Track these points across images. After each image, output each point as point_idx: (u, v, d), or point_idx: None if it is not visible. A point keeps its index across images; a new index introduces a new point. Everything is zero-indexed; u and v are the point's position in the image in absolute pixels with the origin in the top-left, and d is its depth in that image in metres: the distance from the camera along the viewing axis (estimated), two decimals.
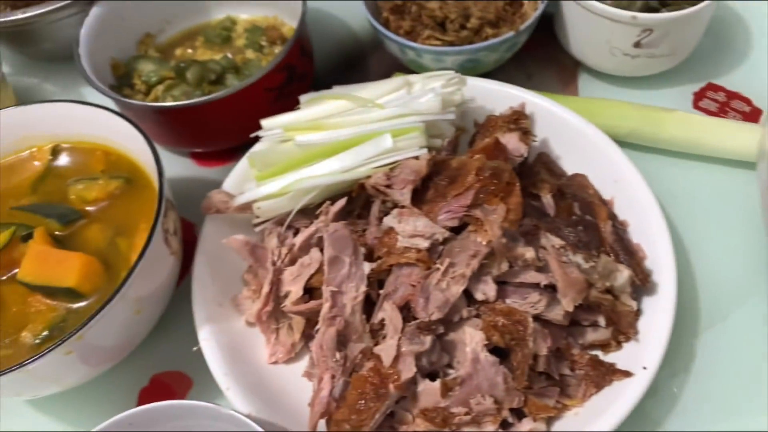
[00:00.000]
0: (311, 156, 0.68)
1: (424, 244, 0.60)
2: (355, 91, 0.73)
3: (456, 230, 0.61)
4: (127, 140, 0.69)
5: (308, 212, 0.69)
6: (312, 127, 0.70)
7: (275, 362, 0.65)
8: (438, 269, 0.59)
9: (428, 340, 0.57)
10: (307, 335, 0.66)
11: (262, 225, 0.69)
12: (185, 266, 0.70)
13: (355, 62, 0.96)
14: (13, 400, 0.69)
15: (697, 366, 0.65)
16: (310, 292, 0.64)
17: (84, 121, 0.71)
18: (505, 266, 0.60)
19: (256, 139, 0.74)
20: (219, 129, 0.81)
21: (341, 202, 0.65)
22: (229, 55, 0.91)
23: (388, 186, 0.63)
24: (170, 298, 0.68)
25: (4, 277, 0.64)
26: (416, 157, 0.65)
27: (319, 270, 0.63)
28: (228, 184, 0.73)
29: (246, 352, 0.65)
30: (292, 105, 0.78)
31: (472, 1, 0.85)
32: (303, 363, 0.65)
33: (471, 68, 0.83)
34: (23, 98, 0.96)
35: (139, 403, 0.68)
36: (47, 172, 0.71)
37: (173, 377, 0.70)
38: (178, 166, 0.87)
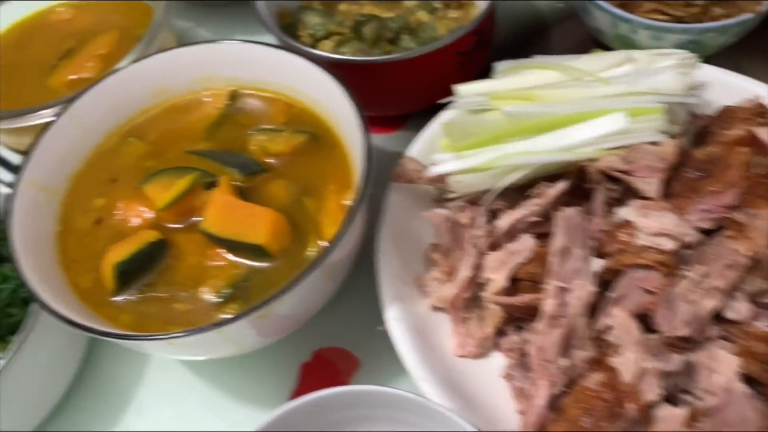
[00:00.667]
0: (521, 129, 0.60)
1: (670, 245, 0.51)
2: (566, 61, 0.65)
3: (706, 234, 0.52)
4: (318, 92, 0.63)
5: (506, 194, 0.61)
6: (521, 97, 0.62)
7: (463, 356, 0.58)
8: (685, 277, 0.50)
9: (677, 359, 0.48)
10: (501, 330, 0.58)
11: (455, 201, 0.62)
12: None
13: (536, 35, 0.87)
14: (174, 361, 0.65)
15: None
16: (514, 283, 0.57)
17: (268, 67, 0.65)
18: (765, 285, 0.51)
19: (434, 106, 0.67)
20: (400, 91, 0.74)
21: (562, 185, 0.57)
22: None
23: (627, 172, 0.55)
24: (352, 267, 0.61)
25: (182, 225, 0.58)
26: (653, 143, 0.56)
27: (533, 260, 0.55)
28: (414, 151, 0.66)
29: (432, 341, 0.58)
30: (474, 73, 0.71)
31: None
32: (489, 361, 0.58)
33: (692, 50, 0.72)
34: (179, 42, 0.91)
35: (300, 378, 0.63)
36: (224, 117, 0.65)
37: (338, 354, 0.64)
38: None
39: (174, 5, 0.96)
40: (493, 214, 0.60)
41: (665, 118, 0.57)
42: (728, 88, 0.67)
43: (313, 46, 0.81)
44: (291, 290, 0.48)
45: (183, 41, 0.91)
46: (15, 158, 0.76)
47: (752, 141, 0.56)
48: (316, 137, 0.63)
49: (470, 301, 0.58)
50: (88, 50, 0.79)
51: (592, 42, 0.79)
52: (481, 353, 0.58)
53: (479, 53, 0.76)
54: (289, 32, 0.82)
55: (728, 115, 0.62)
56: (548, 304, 0.51)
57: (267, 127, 0.64)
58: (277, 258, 0.56)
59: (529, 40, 0.87)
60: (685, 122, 0.60)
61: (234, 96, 0.67)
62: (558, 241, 0.52)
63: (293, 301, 0.51)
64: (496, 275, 0.56)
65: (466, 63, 0.75)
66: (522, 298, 0.54)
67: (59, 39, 0.82)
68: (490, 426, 0.52)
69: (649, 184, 0.53)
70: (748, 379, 0.49)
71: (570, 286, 0.52)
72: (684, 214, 0.52)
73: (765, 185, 0.51)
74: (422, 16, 0.85)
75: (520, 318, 0.58)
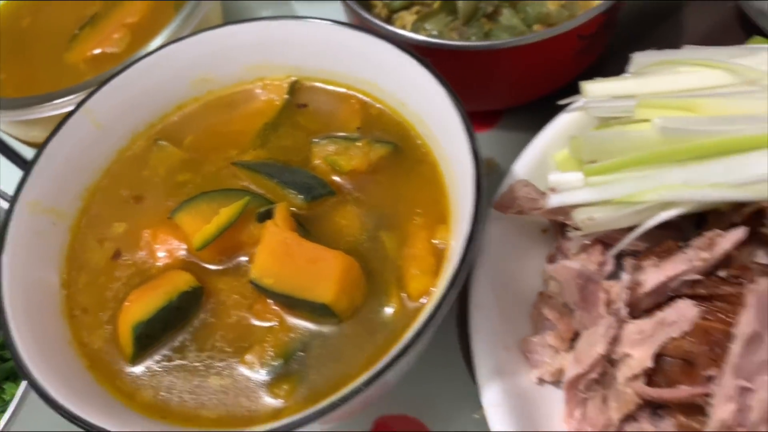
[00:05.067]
0: (679, 152, 0.45)
1: None
2: (724, 55, 0.49)
3: None
4: (405, 88, 0.48)
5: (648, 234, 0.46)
6: (677, 107, 0.47)
7: None
8: None
9: None
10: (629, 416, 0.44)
11: (577, 240, 0.47)
12: None
13: (662, 17, 0.69)
14: None
15: None
16: (658, 361, 0.42)
17: (340, 51, 0.50)
18: None
19: (541, 101, 0.52)
20: (500, 83, 0.59)
21: (740, 233, 0.42)
22: None
23: None
24: None
25: (225, 266, 0.45)
26: None
27: (689, 335, 0.40)
28: (519, 169, 0.51)
29: (533, 418, 0.45)
30: (591, 61, 0.56)
31: None
32: None
33: None
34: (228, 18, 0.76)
35: None
36: (282, 118, 0.51)
37: (404, 423, 0.50)
38: None
39: None
40: (638, 266, 0.45)
41: None
42: None
43: (389, 19, 0.66)
44: (371, 385, 0.35)
45: (232, 17, 0.76)
46: (28, 152, 0.64)
47: None
48: (400, 150, 0.48)
49: (597, 381, 0.44)
50: (115, 17, 0.66)
51: (741, 25, 0.62)
52: None
53: (601, 37, 0.60)
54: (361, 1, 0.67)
55: None
56: (723, 410, 0.37)
57: (338, 134, 0.49)
58: (345, 319, 0.42)
59: (655, 21, 0.69)
60: None
61: (295, 89, 0.52)
62: (746, 323, 0.37)
63: (370, 392, 0.37)
64: (638, 352, 0.42)
65: (585, 49, 0.59)
66: (676, 392, 0.40)
67: (82, 2, 0.68)
68: None
69: None
70: None
71: (754, 385, 0.37)
72: None
73: None
74: None
75: (660, 406, 0.43)
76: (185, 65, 0.51)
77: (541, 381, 0.47)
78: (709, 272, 0.43)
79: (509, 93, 0.60)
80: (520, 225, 0.51)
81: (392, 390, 0.43)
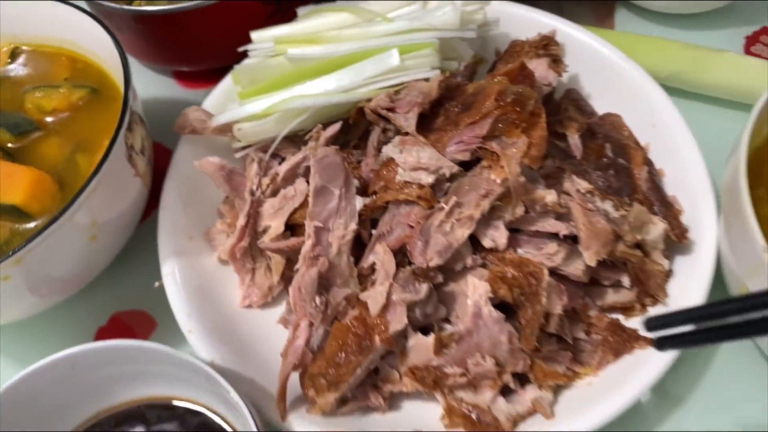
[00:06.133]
0: (304, 73, 0.59)
1: (428, 179, 0.51)
2: (363, 4, 0.64)
3: (467, 165, 0.52)
4: (96, 44, 0.60)
5: (297, 140, 0.60)
6: (308, 41, 0.61)
7: (249, 306, 0.57)
8: (442, 209, 0.50)
9: (424, 288, 0.49)
10: (287, 278, 0.57)
11: (243, 151, 0.61)
12: (157, 196, 0.62)
13: None
14: None
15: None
16: (293, 229, 0.56)
17: (48, 21, 0.62)
18: (520, 211, 0.51)
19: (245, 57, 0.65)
20: (206, 43, 0.71)
21: (335, 127, 0.56)
22: None
23: (391, 109, 0.54)
24: (135, 228, 0.60)
25: None
26: (426, 80, 0.56)
27: (305, 204, 0.54)
28: (209, 104, 0.65)
29: (216, 293, 0.58)
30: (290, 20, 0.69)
31: None
32: (280, 309, 0.58)
33: None
34: None
35: None
36: (3, 77, 0.63)
37: (135, 317, 0.62)
38: (160, 85, 0.78)
39: None
40: (280, 161, 0.59)
41: (437, 55, 0.56)
42: (526, 21, 0.66)
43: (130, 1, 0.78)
44: (27, 247, 0.47)
45: None
46: None
47: (521, 71, 0.56)
48: (97, 91, 0.61)
49: (250, 250, 0.57)
50: None
51: None
52: (269, 304, 0.58)
53: (292, 3, 0.73)
54: None
55: (515, 49, 0.62)
56: (306, 245, 0.51)
57: (44, 85, 0.61)
58: (39, 218, 0.54)
59: None
60: (466, 59, 0.60)
61: (14, 54, 0.64)
62: (314, 180, 0.52)
63: (42, 258, 0.49)
64: (273, 221, 0.56)
65: (278, 12, 0.72)
66: (290, 242, 0.54)
67: None
68: (267, 377, 0.51)
69: (408, 120, 0.53)
70: (503, 307, 0.50)
71: (328, 225, 0.52)
72: (443, 147, 0.52)
73: (517, 113, 0.51)
74: None
75: None
76: None
77: (222, 261, 0.60)
78: None
79: (217, 53, 0.72)
80: (214, 147, 0.64)
81: (101, 277, 0.55)
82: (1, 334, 0.62)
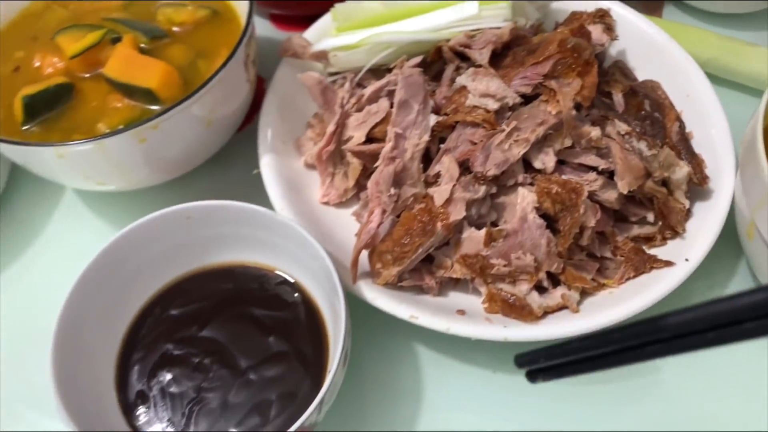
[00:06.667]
0: (394, 15, 0.69)
1: (494, 105, 0.61)
2: None
3: (528, 99, 0.62)
4: None
5: (381, 74, 0.70)
6: None
7: (326, 203, 0.68)
8: (503, 131, 0.60)
9: (482, 189, 0.58)
10: (361, 184, 0.67)
11: (336, 75, 0.71)
12: (251, 113, 0.73)
13: None
14: (73, 199, 0.74)
15: (734, 284, 0.66)
16: (371, 141, 0.66)
17: None
18: (568, 142, 0.60)
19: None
20: None
21: (417, 59, 0.66)
22: None
23: (467, 46, 0.64)
24: (238, 126, 0.70)
25: (89, 74, 0.67)
26: (498, 29, 0.66)
27: (385, 120, 0.64)
28: (308, 34, 0.75)
29: (301, 189, 0.68)
30: None
31: None
32: (350, 211, 0.68)
33: None
34: None
35: None
36: None
37: None
38: (257, 25, 0.88)
39: None
40: (365, 87, 0.70)
41: (510, 9, 0.66)
42: (584, 3, 0.76)
43: None
44: (163, 115, 0.58)
45: None
46: None
47: (580, 30, 0.65)
48: (218, 13, 0.72)
49: (334, 155, 0.67)
50: None
51: None
52: (343, 202, 0.68)
53: None
54: None
55: (574, 17, 0.72)
56: (386, 147, 0.61)
57: (174, 2, 0.72)
58: (167, 103, 0.65)
59: None
60: (532, 19, 0.70)
61: None
62: (399, 95, 0.62)
63: (171, 130, 0.60)
64: (357, 132, 0.66)
65: None
66: (371, 147, 0.64)
67: None
68: (337, 249, 0.61)
69: (482, 55, 0.63)
70: (545, 216, 0.59)
71: (406, 134, 0.62)
72: (509, 81, 0.62)
73: (576, 58, 0.61)
74: None
75: None
76: None
77: (308, 165, 0.70)
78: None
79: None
80: (304, 68, 0.74)
81: (201, 168, 0.66)
82: (107, 205, 0.73)
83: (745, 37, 0.85)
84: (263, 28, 0.89)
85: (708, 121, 0.68)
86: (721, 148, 0.66)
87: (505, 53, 0.65)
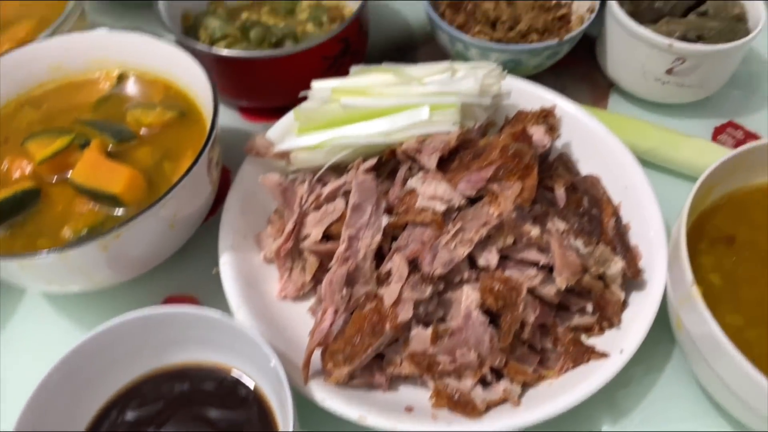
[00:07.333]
0: (352, 117, 0.74)
1: (441, 207, 0.65)
2: (403, 69, 0.79)
3: (473, 201, 0.66)
4: (189, 77, 0.76)
5: (340, 171, 0.74)
6: (358, 93, 0.76)
7: (284, 297, 0.71)
8: (449, 232, 0.64)
9: (428, 290, 0.62)
10: (317, 279, 0.71)
11: (296, 174, 0.75)
12: (215, 205, 0.77)
13: (406, 51, 1.02)
14: (35, 298, 0.76)
15: (670, 367, 0.69)
16: (328, 238, 0.70)
17: (152, 54, 0.78)
18: (510, 240, 0.65)
19: (304, 100, 0.80)
20: (272, 86, 0.87)
21: (372, 160, 0.71)
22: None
23: (418, 151, 0.69)
24: (199, 224, 0.74)
25: (56, 178, 0.70)
26: (448, 133, 0.70)
27: (341, 218, 0.68)
28: (271, 133, 0.79)
29: (259, 284, 0.71)
30: (343, 75, 0.84)
31: (523, 10, 0.91)
32: (307, 304, 0.71)
33: (512, 68, 0.88)
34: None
35: None
36: (111, 94, 0.78)
37: (185, 301, 0.75)
38: (226, 117, 0.93)
39: (95, 3, 1.10)
40: (324, 184, 0.74)
41: (459, 114, 0.71)
42: (532, 96, 0.82)
43: (211, 45, 0.95)
44: (126, 224, 0.61)
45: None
46: None
47: (522, 134, 0.70)
48: (185, 114, 0.76)
49: (293, 251, 0.71)
50: (6, 35, 0.91)
51: (445, 59, 0.94)
52: (299, 297, 0.71)
53: (347, 59, 0.89)
54: (191, 33, 0.96)
55: (520, 117, 0.77)
56: (340, 248, 0.65)
57: (143, 103, 0.77)
58: (131, 207, 0.68)
59: (400, 54, 1.02)
60: (481, 120, 0.75)
61: (122, 77, 0.80)
62: (352, 198, 0.66)
63: (134, 236, 0.63)
64: (314, 230, 0.69)
65: (332, 66, 0.88)
66: (327, 246, 0.67)
67: None
68: (291, 345, 0.64)
69: (430, 160, 0.68)
70: (489, 313, 0.63)
71: (359, 235, 0.65)
72: (455, 184, 0.66)
73: (516, 163, 0.65)
74: (309, 27, 1.00)
75: None
76: (46, 56, 0.77)
77: (267, 260, 0.73)
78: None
79: (282, 94, 0.87)
80: (271, 169, 0.78)
81: (165, 263, 0.69)
82: (70, 304, 0.75)
83: (684, 124, 0.91)
84: (231, 119, 0.94)
85: (644, 214, 0.73)
86: (655, 241, 0.70)
87: (452, 157, 0.69)
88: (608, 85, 0.96)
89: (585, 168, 0.79)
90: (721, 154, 0.82)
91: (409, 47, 1.03)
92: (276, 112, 0.92)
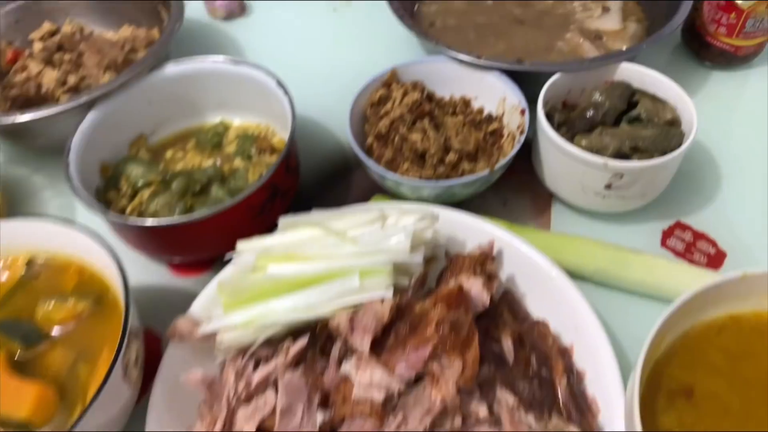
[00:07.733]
0: (280, 288, 0.69)
1: (380, 395, 0.60)
2: (333, 218, 0.75)
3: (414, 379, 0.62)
4: (99, 259, 0.71)
5: (274, 341, 0.69)
6: (285, 257, 0.71)
7: None
8: (392, 422, 0.59)
9: None
10: None
11: (224, 354, 0.70)
12: (147, 382, 0.71)
13: (340, 177, 0.98)
14: None
15: None
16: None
17: (58, 237, 0.73)
18: (458, 421, 0.60)
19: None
20: (197, 244, 0.82)
21: (301, 343, 0.66)
22: (218, 163, 0.95)
23: (350, 330, 0.64)
24: (122, 426, 0.68)
25: None
26: (381, 300, 0.66)
27: (273, 412, 0.63)
28: (197, 306, 0.74)
29: None
30: (272, 220, 0.79)
31: (453, 131, 0.88)
32: None
33: (448, 197, 0.85)
34: (12, 189, 0.99)
35: None
36: (19, 285, 0.73)
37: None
38: (154, 273, 0.88)
39: (10, 152, 1.04)
40: (257, 363, 0.69)
41: (391, 277, 0.67)
42: (470, 229, 0.78)
43: (133, 195, 0.90)
44: None
45: (17, 190, 0.98)
46: None
47: (458, 297, 0.66)
48: (100, 300, 0.71)
49: None
50: None
51: (380, 187, 0.90)
52: None
53: (276, 203, 0.85)
54: (112, 183, 0.92)
55: (458, 263, 0.73)
56: None
57: (55, 296, 0.71)
58: (42, 428, 0.62)
59: (335, 182, 0.98)
60: (416, 273, 0.71)
61: (30, 263, 0.74)
62: (281, 400, 0.61)
63: None
64: (246, 425, 0.64)
65: (262, 213, 0.84)
66: None
67: None
68: None
69: (363, 343, 0.63)
70: None
71: None
72: (393, 366, 0.62)
73: (453, 339, 0.61)
74: (238, 162, 0.96)
75: None
76: None
77: None
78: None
79: (211, 249, 0.83)
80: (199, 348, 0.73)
81: None
82: None
83: (632, 230, 0.89)
84: (161, 275, 0.88)
85: (597, 356, 0.69)
86: (613, 390, 0.66)
87: (387, 331, 0.65)
88: (550, 195, 0.93)
89: (532, 303, 0.76)
90: (673, 270, 0.80)
91: (344, 172, 0.99)
92: (206, 264, 0.88)
